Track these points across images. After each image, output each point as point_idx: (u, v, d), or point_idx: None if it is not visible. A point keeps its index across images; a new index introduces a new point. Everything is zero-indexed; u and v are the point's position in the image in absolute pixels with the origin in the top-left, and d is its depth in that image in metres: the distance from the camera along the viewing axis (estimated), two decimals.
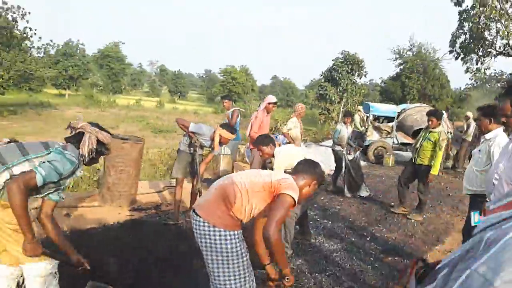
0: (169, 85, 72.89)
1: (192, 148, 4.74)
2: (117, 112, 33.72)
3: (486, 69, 18.81)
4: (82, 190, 6.07)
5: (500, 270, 0.40)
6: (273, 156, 4.13)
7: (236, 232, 2.13)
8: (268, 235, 1.97)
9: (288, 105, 65.65)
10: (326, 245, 4.51)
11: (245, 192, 2.12)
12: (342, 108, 17.93)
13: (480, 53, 18.25)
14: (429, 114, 5.86)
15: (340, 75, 17.86)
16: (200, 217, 2.12)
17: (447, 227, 5.60)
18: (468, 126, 10.51)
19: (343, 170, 7.06)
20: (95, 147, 2.32)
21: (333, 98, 17.97)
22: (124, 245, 3.81)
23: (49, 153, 2.16)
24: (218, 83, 58.71)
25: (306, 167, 2.42)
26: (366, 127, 11.23)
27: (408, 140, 11.70)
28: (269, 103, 6.10)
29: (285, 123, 14.68)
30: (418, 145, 5.79)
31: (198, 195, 4.77)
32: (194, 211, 2.19)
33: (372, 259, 4.21)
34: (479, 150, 3.54)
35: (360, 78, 18.91)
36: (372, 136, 11.25)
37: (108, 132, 2.44)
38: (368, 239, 4.86)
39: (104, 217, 4.72)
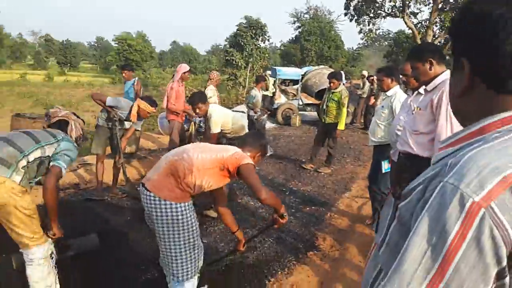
0: (58, 56, 65.89)
1: (110, 123, 4.58)
2: None
3: (377, 30, 20.61)
4: None
5: (463, 177, 0.62)
6: (205, 114, 4.32)
7: (186, 203, 2.20)
8: (264, 199, 2.19)
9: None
10: (252, 203, 4.83)
11: (196, 170, 2.17)
12: (249, 72, 18.29)
13: (372, 15, 19.85)
14: (329, 76, 6.39)
15: (245, 40, 18.07)
16: (150, 191, 2.16)
17: (352, 176, 6.34)
18: (364, 84, 11.59)
19: None
20: (82, 133, 2.65)
21: (239, 64, 18.20)
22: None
23: (57, 141, 2.39)
24: (113, 51, 54.86)
25: (253, 139, 2.55)
26: (274, 90, 11.74)
27: (311, 100, 12.54)
28: (184, 72, 6.05)
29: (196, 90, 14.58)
30: (324, 106, 6.33)
31: (121, 170, 4.69)
32: (143, 185, 2.23)
33: (293, 210, 4.65)
34: (382, 106, 4.05)
35: (264, 42, 19.36)
36: (280, 99, 11.83)
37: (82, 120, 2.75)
38: (287, 193, 5.31)
39: None
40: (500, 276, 0.61)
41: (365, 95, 11.56)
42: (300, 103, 12.14)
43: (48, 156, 2.35)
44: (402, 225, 0.75)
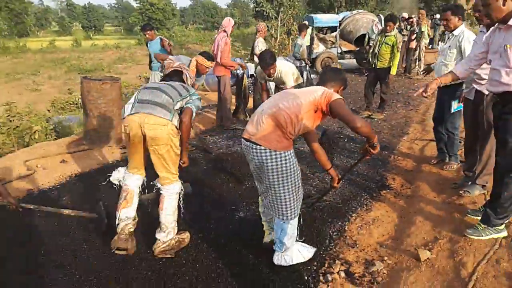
0: (82, 21, 66.11)
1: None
2: (31, 57, 30.49)
3: None
4: (40, 140, 5.90)
5: None
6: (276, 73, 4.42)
7: (291, 151, 2.38)
8: (360, 127, 2.24)
9: (214, 27, 63.27)
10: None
11: (294, 116, 2.29)
12: (280, 23, 17.89)
13: None
14: (386, 19, 6.29)
15: None
16: (259, 145, 2.32)
17: (406, 121, 6.40)
18: (405, 27, 11.22)
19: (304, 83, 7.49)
20: (193, 82, 3.10)
21: (270, 14, 17.79)
22: None
23: (190, 95, 2.79)
24: (135, 12, 54.44)
25: (333, 75, 2.64)
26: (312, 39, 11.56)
27: (350, 48, 12.30)
28: (232, 26, 6.08)
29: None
30: (376, 51, 6.28)
31: None
32: (248, 140, 2.38)
33: (356, 155, 4.81)
34: (449, 46, 3.99)
35: None
36: (318, 48, 11.65)
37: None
38: (346, 140, 5.47)
39: (101, 158, 4.79)
40: None
41: (405, 38, 11.21)
42: (339, 51, 11.92)
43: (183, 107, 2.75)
44: None
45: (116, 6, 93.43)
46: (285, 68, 4.43)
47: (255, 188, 2.72)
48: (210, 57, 4.81)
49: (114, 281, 2.51)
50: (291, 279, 2.50)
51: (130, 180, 2.80)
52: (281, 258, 2.56)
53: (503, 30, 2.58)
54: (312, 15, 12.38)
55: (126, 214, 2.72)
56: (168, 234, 2.73)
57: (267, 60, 4.22)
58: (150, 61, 6.70)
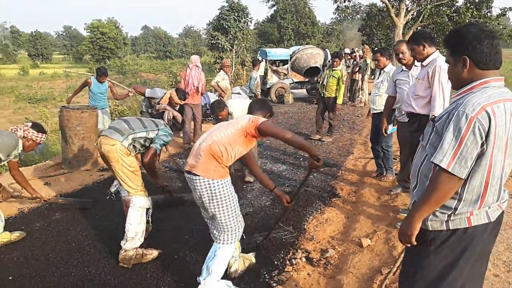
0: (28, 48, 63.99)
1: (151, 110, 5.38)
2: None
3: (352, 5, 21.45)
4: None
5: (466, 107, 1.52)
6: (227, 114, 4.98)
7: (228, 179, 2.60)
8: (291, 137, 2.51)
9: (166, 56, 63.73)
10: (275, 168, 5.78)
11: (228, 145, 2.53)
12: (235, 55, 18.94)
13: None
14: (333, 56, 7.34)
15: (228, 23, 18.65)
16: (198, 175, 2.51)
17: (351, 142, 7.35)
18: (348, 61, 12.52)
19: None
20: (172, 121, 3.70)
21: (225, 47, 18.81)
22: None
23: (158, 129, 3.28)
24: (85, 40, 53.80)
25: (259, 104, 2.94)
26: (266, 71, 12.56)
27: (301, 79, 13.43)
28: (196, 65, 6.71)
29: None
30: (325, 82, 7.26)
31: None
32: (189, 172, 2.57)
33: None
34: (382, 81, 4.96)
35: (247, 24, 19.96)
36: (272, 79, 12.67)
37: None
38: (301, 160, 6.26)
39: (81, 180, 5.19)
40: (482, 145, 1.54)
41: (349, 71, 12.48)
42: (291, 81, 13.01)
43: (151, 138, 3.26)
44: (437, 134, 1.68)
45: (64, 34, 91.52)
46: (235, 112, 4.85)
47: None
48: (182, 96, 5.42)
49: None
50: (264, 264, 3.13)
51: (122, 191, 3.32)
52: None
53: (420, 68, 3.59)
54: (266, 49, 13.47)
55: None
56: (129, 243, 3.07)
57: (216, 105, 4.81)
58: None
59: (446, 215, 1.68)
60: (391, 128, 4.72)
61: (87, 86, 6.83)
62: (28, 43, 64.58)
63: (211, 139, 2.56)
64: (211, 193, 2.52)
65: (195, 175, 2.53)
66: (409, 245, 1.77)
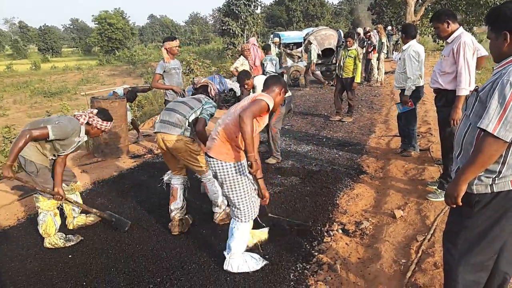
0: (38, 43, 64.53)
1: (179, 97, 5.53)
2: None
3: None
4: None
5: (509, 76, 1.65)
6: (253, 86, 5.19)
7: (241, 162, 2.69)
8: (242, 120, 2.41)
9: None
10: (299, 149, 5.93)
11: (238, 125, 2.53)
12: (245, 40, 18.95)
13: None
14: (345, 36, 7.38)
15: (239, 8, 18.63)
16: (212, 157, 2.66)
17: (372, 122, 7.45)
18: (362, 40, 12.47)
19: None
20: (218, 93, 3.86)
21: (236, 32, 18.83)
22: (148, 181, 4.67)
23: (202, 105, 3.48)
24: (93, 33, 54.02)
25: (273, 80, 2.87)
26: (280, 55, 12.59)
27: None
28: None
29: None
30: (341, 63, 7.33)
31: None
32: (206, 154, 2.73)
33: (335, 150, 5.77)
34: (400, 58, 5.06)
35: (257, 8, 19.89)
36: (287, 62, 12.72)
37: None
38: (324, 140, 6.40)
39: (116, 167, 5.43)
40: None
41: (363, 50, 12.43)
42: (306, 64, 13.02)
43: (199, 114, 3.46)
44: (481, 103, 1.81)
45: (72, 27, 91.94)
46: (260, 85, 5.11)
47: None
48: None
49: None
50: (304, 235, 3.32)
51: (174, 180, 3.57)
52: (227, 264, 2.87)
53: (445, 45, 3.67)
54: (279, 32, 13.47)
55: (174, 206, 3.49)
56: (220, 207, 3.61)
57: (241, 77, 5.03)
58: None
59: (491, 178, 1.82)
60: (403, 107, 4.85)
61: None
62: (37, 37, 65.15)
63: (224, 122, 2.69)
64: (224, 174, 2.66)
65: (210, 157, 2.69)
66: (454, 206, 1.92)
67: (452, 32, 3.58)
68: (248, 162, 2.49)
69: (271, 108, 2.65)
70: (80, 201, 3.70)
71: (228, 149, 2.65)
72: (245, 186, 2.71)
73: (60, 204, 3.44)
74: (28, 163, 3.18)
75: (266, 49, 9.17)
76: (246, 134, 2.42)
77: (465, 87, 3.47)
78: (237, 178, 2.67)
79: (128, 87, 6.43)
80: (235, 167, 2.66)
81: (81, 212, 3.73)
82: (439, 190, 3.80)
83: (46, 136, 3.07)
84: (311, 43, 11.72)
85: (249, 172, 2.57)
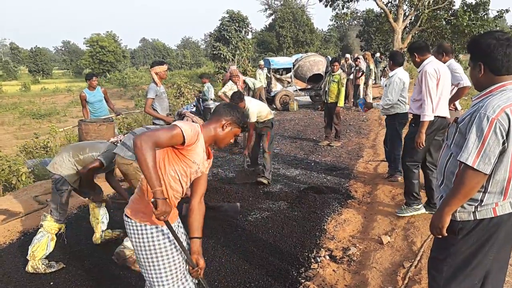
0: (28, 64, 64.48)
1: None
2: None
3: (350, 13, 21.86)
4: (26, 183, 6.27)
5: (487, 109, 1.70)
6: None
7: (163, 227, 1.98)
8: (136, 140, 1.74)
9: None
10: (288, 173, 5.94)
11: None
12: (236, 65, 19.23)
13: None
14: (332, 61, 7.55)
15: (230, 34, 18.97)
16: (129, 218, 2.02)
17: (360, 146, 7.53)
18: (349, 66, 12.75)
19: None
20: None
21: (227, 57, 19.12)
22: None
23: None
24: (85, 55, 54.29)
25: (223, 109, 2.11)
26: (269, 80, 12.78)
27: (304, 86, 13.64)
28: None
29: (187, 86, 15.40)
30: (326, 89, 7.47)
31: None
32: (124, 215, 2.05)
33: (324, 175, 5.79)
34: (386, 85, 5.17)
35: (247, 34, 20.30)
36: (276, 87, 12.89)
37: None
38: (312, 164, 6.43)
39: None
40: (503, 144, 1.72)
41: (350, 77, 12.66)
42: (295, 89, 13.24)
43: None
44: (461, 134, 1.86)
45: (63, 49, 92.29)
46: (251, 107, 5.17)
47: None
48: None
49: None
50: (289, 262, 3.29)
51: None
52: None
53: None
54: (269, 58, 13.71)
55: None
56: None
57: (234, 98, 5.08)
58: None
59: (474, 206, 1.85)
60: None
61: (85, 100, 6.57)
62: (28, 59, 65.11)
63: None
64: (137, 241, 1.99)
65: (127, 217, 2.03)
66: (440, 236, 1.93)
67: (422, 62, 3.77)
68: (152, 199, 1.77)
69: (194, 142, 1.91)
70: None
71: (146, 206, 1.94)
72: (166, 261, 1.97)
73: (59, 229, 3.49)
74: (63, 181, 3.40)
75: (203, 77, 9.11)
76: (140, 162, 1.74)
77: (427, 114, 3.68)
78: (154, 248, 1.95)
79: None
80: (152, 232, 1.96)
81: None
82: (405, 206, 4.07)
83: None
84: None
85: (156, 218, 1.80)
